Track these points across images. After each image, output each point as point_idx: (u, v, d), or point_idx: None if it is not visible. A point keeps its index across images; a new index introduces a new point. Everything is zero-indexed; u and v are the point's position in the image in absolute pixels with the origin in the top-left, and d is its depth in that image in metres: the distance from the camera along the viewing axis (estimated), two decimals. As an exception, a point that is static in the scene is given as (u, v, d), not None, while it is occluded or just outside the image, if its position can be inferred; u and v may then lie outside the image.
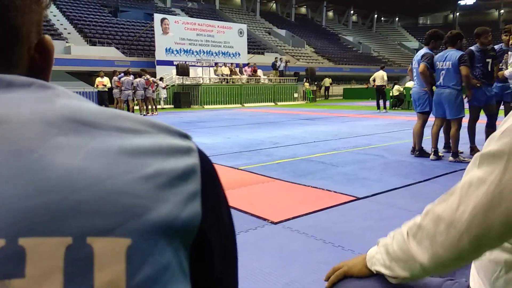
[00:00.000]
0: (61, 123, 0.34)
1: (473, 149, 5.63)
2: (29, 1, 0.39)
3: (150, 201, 0.34)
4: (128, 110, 14.85)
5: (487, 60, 5.41)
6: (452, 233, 0.67)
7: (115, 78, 14.70)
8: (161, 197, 0.35)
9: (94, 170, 0.32)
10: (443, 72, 5.08)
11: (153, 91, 15.47)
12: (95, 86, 15.26)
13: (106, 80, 15.12)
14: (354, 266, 0.94)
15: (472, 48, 5.49)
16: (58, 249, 0.29)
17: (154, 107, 15.70)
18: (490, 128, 5.72)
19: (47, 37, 0.43)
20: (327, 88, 28.06)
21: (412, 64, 5.75)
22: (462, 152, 5.63)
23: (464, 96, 5.22)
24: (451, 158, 5.13)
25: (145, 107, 15.20)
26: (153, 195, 0.34)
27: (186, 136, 0.42)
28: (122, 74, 14.90)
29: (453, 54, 5.03)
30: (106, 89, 15.23)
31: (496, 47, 5.70)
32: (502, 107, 5.79)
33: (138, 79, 14.80)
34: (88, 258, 0.30)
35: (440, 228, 0.69)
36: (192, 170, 0.38)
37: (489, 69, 5.39)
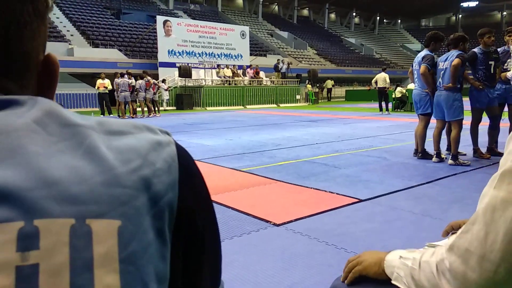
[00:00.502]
0: (57, 128, 0.41)
1: (476, 151, 5.62)
2: (37, 24, 0.45)
3: (134, 190, 0.41)
4: (130, 111, 14.86)
5: (490, 62, 5.40)
6: (486, 267, 0.61)
7: (116, 80, 14.72)
8: (145, 186, 0.42)
9: (88, 167, 0.40)
10: (443, 72, 5.10)
11: (154, 93, 15.49)
12: (96, 88, 15.26)
13: (107, 82, 15.15)
14: (370, 267, 0.89)
15: (475, 50, 5.48)
16: (64, 227, 0.37)
17: (157, 108, 15.72)
18: (493, 129, 5.71)
19: (52, 55, 0.49)
20: (329, 90, 28.07)
21: (412, 66, 5.75)
22: (465, 154, 5.62)
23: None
24: (450, 161, 5.12)
25: (146, 109, 15.23)
26: (138, 185, 0.41)
27: (166, 133, 0.48)
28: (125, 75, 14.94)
29: (453, 55, 5.03)
30: (107, 91, 15.25)
31: (499, 49, 5.70)
32: (506, 109, 5.77)
33: (140, 81, 14.83)
34: (88, 234, 0.38)
35: (471, 264, 0.63)
36: (172, 162, 0.45)
37: (492, 71, 5.39)
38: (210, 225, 0.51)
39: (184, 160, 0.47)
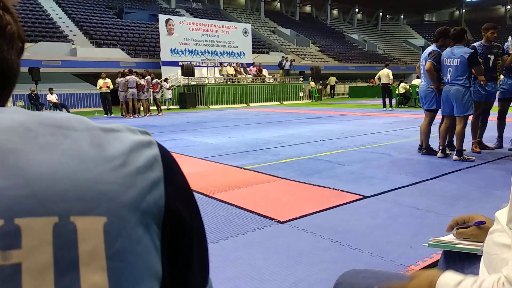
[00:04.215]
0: (38, 127, 0.41)
1: (473, 144, 5.64)
2: (16, 43, 0.47)
3: (120, 186, 0.41)
4: (129, 110, 14.83)
5: (489, 56, 5.43)
6: None
7: (118, 79, 14.74)
8: (129, 183, 0.42)
9: (70, 164, 0.39)
10: (450, 69, 5.04)
11: (157, 92, 15.48)
12: (99, 88, 15.28)
13: (109, 81, 15.19)
14: None
15: (476, 44, 5.47)
16: (47, 226, 0.36)
17: (159, 107, 15.70)
18: (484, 123, 5.80)
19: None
20: (332, 87, 27.99)
21: (420, 61, 5.72)
22: (465, 150, 5.60)
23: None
24: (455, 157, 5.09)
25: (149, 108, 15.27)
26: (122, 182, 0.41)
27: (146, 133, 0.48)
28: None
29: (460, 51, 4.98)
30: (109, 91, 15.28)
31: (506, 44, 5.69)
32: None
33: (142, 80, 14.85)
34: (73, 233, 0.37)
35: None
36: (154, 160, 0.45)
37: (490, 65, 5.41)
38: (196, 220, 0.51)
39: (167, 158, 0.48)
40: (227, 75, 21.28)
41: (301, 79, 23.69)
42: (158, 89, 15.64)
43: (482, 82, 5.35)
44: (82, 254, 0.37)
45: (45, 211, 0.36)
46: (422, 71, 5.56)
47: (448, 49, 5.17)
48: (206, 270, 0.53)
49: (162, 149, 0.48)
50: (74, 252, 0.36)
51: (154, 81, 15.41)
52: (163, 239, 0.44)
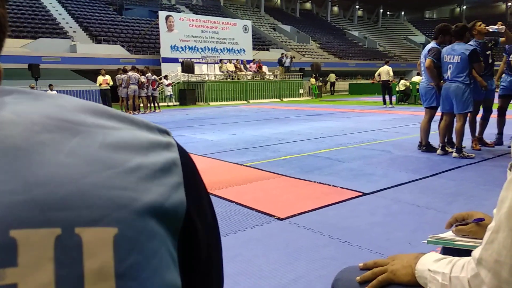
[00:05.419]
0: (44, 121, 0.35)
1: (472, 142, 5.63)
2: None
3: (133, 192, 0.36)
4: (128, 107, 14.81)
5: (487, 52, 5.43)
6: None
7: (119, 75, 14.73)
8: (144, 188, 0.36)
9: (78, 166, 0.34)
10: (451, 66, 5.03)
11: (154, 89, 15.45)
12: (98, 84, 15.26)
13: (109, 78, 15.17)
14: (401, 275, 0.83)
15: (471, 43, 5.45)
16: (48, 239, 0.31)
17: (157, 104, 15.63)
18: (485, 120, 5.80)
19: None
20: (332, 84, 27.96)
21: (420, 58, 5.71)
22: (464, 147, 5.60)
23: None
24: (455, 154, 5.09)
25: (148, 104, 15.26)
26: (136, 187, 0.36)
27: (165, 132, 0.43)
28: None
29: (461, 47, 4.97)
30: (109, 87, 15.27)
31: (507, 47, 5.70)
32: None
33: (142, 77, 14.84)
34: (77, 247, 0.32)
35: (504, 276, 0.60)
36: (173, 164, 0.40)
37: (490, 61, 5.45)
38: (215, 229, 0.47)
39: (187, 163, 0.43)
40: (227, 72, 21.25)
41: (301, 75, 23.65)
42: (155, 86, 15.59)
43: (483, 89, 5.33)
44: (87, 272, 0.32)
45: (46, 221, 0.31)
46: (422, 68, 5.55)
47: (449, 46, 5.16)
48: (221, 280, 0.49)
49: (182, 152, 0.43)
50: (78, 270, 0.32)
51: (153, 77, 15.39)
52: (179, 250, 0.40)
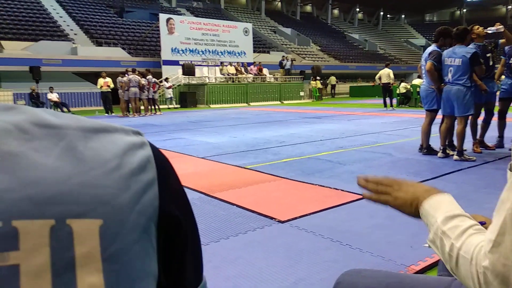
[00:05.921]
0: (33, 128, 0.41)
1: (474, 144, 5.63)
2: None
3: (115, 189, 0.41)
4: (130, 109, 14.82)
5: (487, 55, 5.42)
6: None
7: (120, 78, 14.73)
8: (124, 186, 0.42)
9: (65, 168, 0.40)
10: (451, 68, 5.02)
11: (155, 92, 15.46)
12: (99, 87, 15.27)
13: (110, 80, 15.19)
14: (404, 206, 0.85)
15: (471, 46, 5.45)
16: (44, 228, 0.37)
17: (157, 107, 15.63)
18: (487, 123, 5.79)
19: None
20: (333, 86, 27.98)
21: (421, 61, 5.71)
22: (465, 150, 5.59)
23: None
24: (456, 157, 5.08)
25: (149, 107, 15.27)
26: (117, 185, 0.42)
27: (138, 133, 0.49)
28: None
29: (462, 50, 4.97)
30: (110, 90, 15.28)
31: (506, 49, 5.69)
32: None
33: (143, 80, 14.84)
34: (69, 235, 0.38)
35: None
36: (147, 161, 0.46)
37: (490, 63, 5.45)
38: (190, 219, 0.52)
39: (159, 159, 0.48)
40: (228, 75, 21.28)
41: (302, 78, 23.67)
42: (156, 89, 15.60)
43: (483, 92, 5.32)
44: (78, 256, 0.38)
45: (41, 214, 0.37)
46: (423, 71, 5.56)
47: (450, 48, 5.16)
48: (200, 268, 0.54)
49: (155, 150, 0.49)
50: (70, 254, 0.37)
51: (153, 80, 15.40)
52: (158, 239, 0.45)
